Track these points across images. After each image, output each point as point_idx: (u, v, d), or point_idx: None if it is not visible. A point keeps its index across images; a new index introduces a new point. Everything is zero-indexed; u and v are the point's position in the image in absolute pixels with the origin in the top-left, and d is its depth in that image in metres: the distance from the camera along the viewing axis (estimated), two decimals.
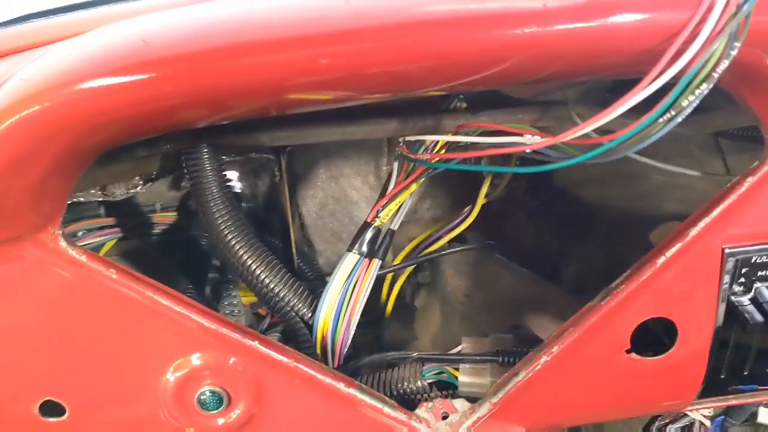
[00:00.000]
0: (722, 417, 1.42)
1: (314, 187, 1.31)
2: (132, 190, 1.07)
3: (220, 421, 0.77)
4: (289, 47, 0.61)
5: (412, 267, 1.21)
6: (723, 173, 1.08)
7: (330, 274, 1.35)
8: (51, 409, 0.76)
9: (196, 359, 0.76)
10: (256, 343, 0.76)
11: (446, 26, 0.57)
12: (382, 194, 0.91)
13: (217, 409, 0.77)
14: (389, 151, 1.29)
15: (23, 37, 0.79)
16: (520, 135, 0.69)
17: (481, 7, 0.58)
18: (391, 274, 1.19)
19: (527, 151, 0.66)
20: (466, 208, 1.16)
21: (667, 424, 1.08)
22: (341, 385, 0.78)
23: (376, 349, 1.18)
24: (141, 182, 1.07)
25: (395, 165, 0.88)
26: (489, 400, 0.81)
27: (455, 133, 0.82)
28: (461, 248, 1.14)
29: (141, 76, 0.59)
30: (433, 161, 0.83)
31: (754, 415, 1.66)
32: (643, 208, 1.31)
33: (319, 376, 0.77)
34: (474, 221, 1.14)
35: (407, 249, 1.19)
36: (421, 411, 0.82)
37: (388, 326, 1.22)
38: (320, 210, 1.33)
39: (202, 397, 0.77)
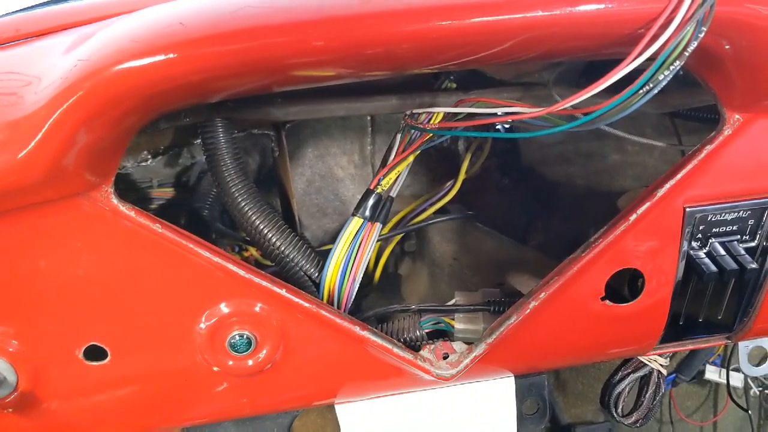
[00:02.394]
0: (674, 375, 1.57)
1: (302, 165, 1.40)
2: (142, 163, 1.14)
3: (250, 362, 0.87)
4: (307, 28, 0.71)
5: (400, 236, 1.31)
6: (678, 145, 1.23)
7: (316, 247, 1.45)
8: (94, 353, 0.85)
9: (225, 306, 0.85)
10: (284, 290, 0.85)
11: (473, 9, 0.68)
12: (383, 164, 1.01)
13: (247, 351, 0.86)
14: (373, 131, 1.39)
15: (64, 16, 0.87)
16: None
17: None
18: (378, 243, 1.29)
19: (528, 119, 0.77)
20: (448, 183, 1.27)
21: (629, 374, 1.20)
22: (356, 328, 0.88)
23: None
24: (150, 156, 1.15)
25: (397, 137, 0.98)
26: (485, 341, 0.92)
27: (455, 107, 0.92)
28: (448, 217, 1.25)
29: (180, 54, 0.68)
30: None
31: (702, 373, 1.83)
32: (601, 184, 1.45)
33: (337, 319, 0.87)
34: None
35: (394, 221, 1.30)
36: (424, 352, 0.93)
37: (376, 293, 1.32)
38: (307, 187, 1.42)
39: (232, 341, 0.86)
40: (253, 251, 1.38)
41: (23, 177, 0.68)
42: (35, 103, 0.68)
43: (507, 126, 1.12)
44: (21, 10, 0.97)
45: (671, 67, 0.70)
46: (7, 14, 0.95)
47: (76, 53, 0.73)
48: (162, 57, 0.67)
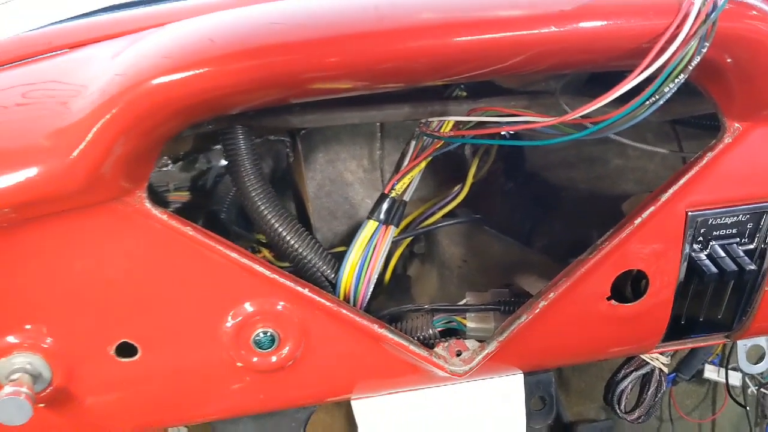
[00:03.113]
0: (674, 374, 1.62)
1: (313, 170, 1.43)
2: (162, 169, 1.18)
3: (273, 358, 0.91)
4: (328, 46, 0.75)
5: (409, 239, 1.35)
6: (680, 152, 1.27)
7: (328, 249, 1.49)
8: (125, 350, 0.89)
9: (250, 305, 0.89)
10: (306, 290, 0.89)
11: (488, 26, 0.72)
12: (397, 170, 1.05)
13: (271, 347, 0.90)
14: (382, 137, 1.43)
15: (96, 30, 0.91)
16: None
17: (510, 12, 0.73)
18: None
19: (539, 128, 0.82)
20: (456, 187, 1.31)
21: (631, 372, 1.25)
22: (375, 326, 0.92)
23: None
24: (170, 161, 1.19)
25: (411, 144, 1.02)
26: (496, 339, 0.96)
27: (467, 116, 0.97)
28: (457, 221, 1.29)
29: (210, 69, 0.72)
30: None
31: (701, 372, 1.88)
32: (603, 189, 1.49)
33: (357, 318, 0.91)
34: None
35: (403, 224, 1.33)
36: (438, 349, 0.97)
37: (385, 294, 1.35)
38: (318, 190, 1.46)
39: (257, 338, 0.90)
40: (266, 252, 1.41)
41: (65, 184, 0.72)
42: (76, 114, 0.72)
43: (512, 132, 1.16)
44: (50, 24, 1.01)
45: (676, 80, 0.75)
46: (38, 28, 0.99)
47: (113, 67, 0.77)
48: (196, 72, 0.72)
